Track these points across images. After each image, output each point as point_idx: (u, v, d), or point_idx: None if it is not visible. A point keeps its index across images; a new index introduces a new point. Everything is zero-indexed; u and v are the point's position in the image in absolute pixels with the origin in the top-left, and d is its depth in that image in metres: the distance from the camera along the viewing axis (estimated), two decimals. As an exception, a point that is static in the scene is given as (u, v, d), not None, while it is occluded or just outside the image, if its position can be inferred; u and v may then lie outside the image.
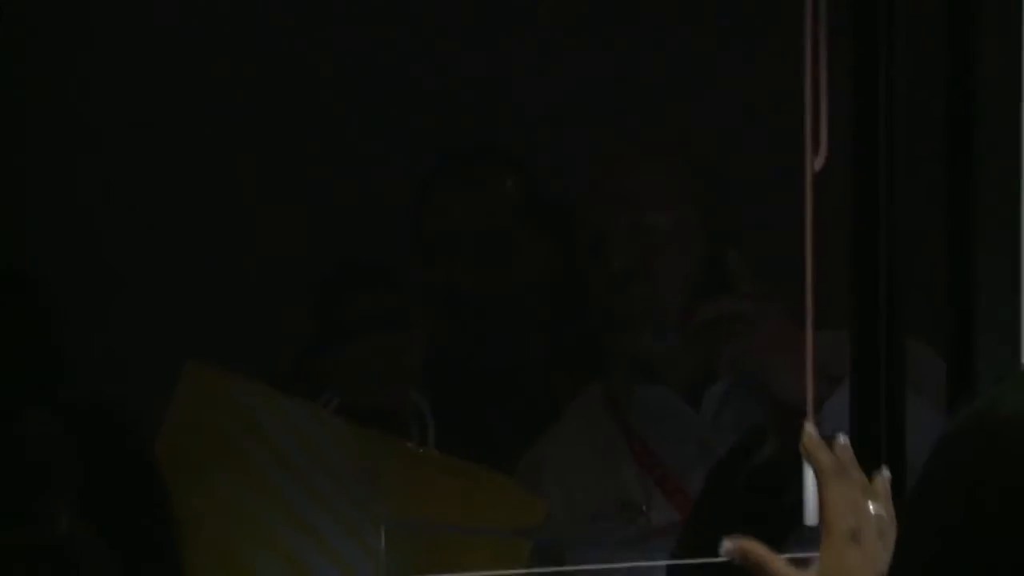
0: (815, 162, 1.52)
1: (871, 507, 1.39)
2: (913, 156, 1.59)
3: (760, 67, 1.71)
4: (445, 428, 1.80)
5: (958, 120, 1.58)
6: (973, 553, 0.71)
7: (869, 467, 1.45)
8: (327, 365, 1.77)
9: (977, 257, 1.58)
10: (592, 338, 1.88)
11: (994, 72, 1.57)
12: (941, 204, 1.61)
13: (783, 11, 1.59)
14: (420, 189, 1.89)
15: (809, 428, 1.45)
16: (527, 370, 1.91)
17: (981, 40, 1.57)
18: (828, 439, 1.43)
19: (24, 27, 1.62)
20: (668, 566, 1.75)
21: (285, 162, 1.84)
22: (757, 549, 1.37)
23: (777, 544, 1.41)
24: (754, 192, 1.73)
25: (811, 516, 1.46)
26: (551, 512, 1.79)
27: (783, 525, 1.56)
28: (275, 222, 1.81)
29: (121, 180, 1.77)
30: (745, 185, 1.73)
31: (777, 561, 1.36)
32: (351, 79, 1.83)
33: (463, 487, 1.77)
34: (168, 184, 1.79)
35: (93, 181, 1.75)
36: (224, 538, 1.65)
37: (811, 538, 1.40)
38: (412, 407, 1.80)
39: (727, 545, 1.39)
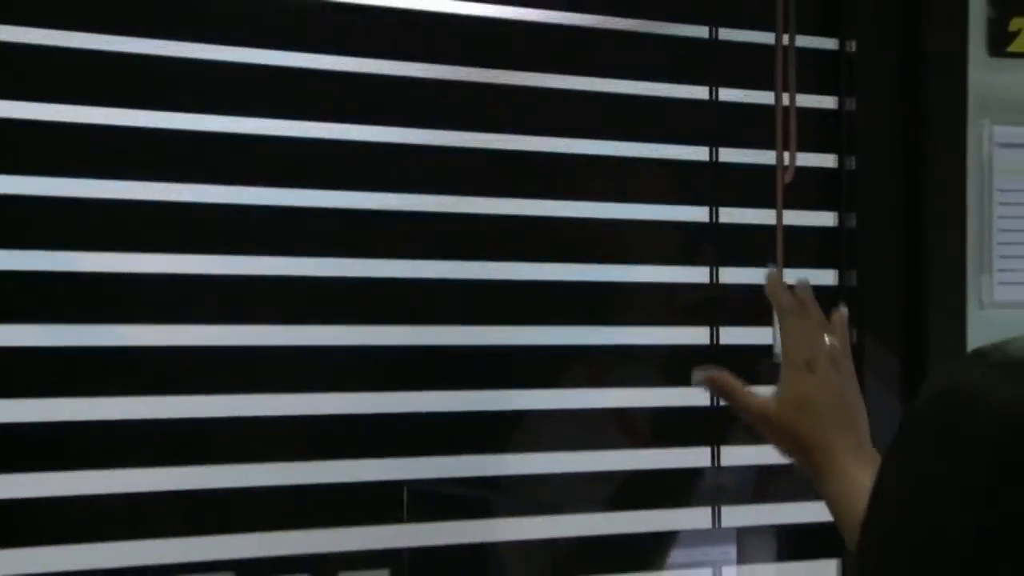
0: (785, 176, 1.70)
1: (826, 339, 1.50)
2: (869, 174, 1.75)
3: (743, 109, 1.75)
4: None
5: (909, 145, 1.75)
6: (936, 499, 0.77)
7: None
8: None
9: (929, 273, 1.73)
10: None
11: (939, 103, 1.74)
12: (895, 216, 1.76)
13: (762, 64, 1.72)
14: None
15: (772, 271, 1.56)
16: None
17: (928, 79, 1.74)
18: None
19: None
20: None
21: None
22: (724, 377, 1.48)
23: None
24: (731, 198, 1.75)
25: (778, 351, 1.57)
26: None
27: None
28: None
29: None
30: (726, 193, 1.75)
31: (741, 388, 1.47)
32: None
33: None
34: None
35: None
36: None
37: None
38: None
39: (697, 375, 1.51)
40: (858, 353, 1.66)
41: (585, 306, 1.71)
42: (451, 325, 1.64)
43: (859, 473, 1.37)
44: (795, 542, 1.78)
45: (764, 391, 1.48)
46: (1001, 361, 0.79)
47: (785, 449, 1.46)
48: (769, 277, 1.53)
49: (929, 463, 0.79)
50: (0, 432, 1.43)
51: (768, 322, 1.67)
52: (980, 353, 0.80)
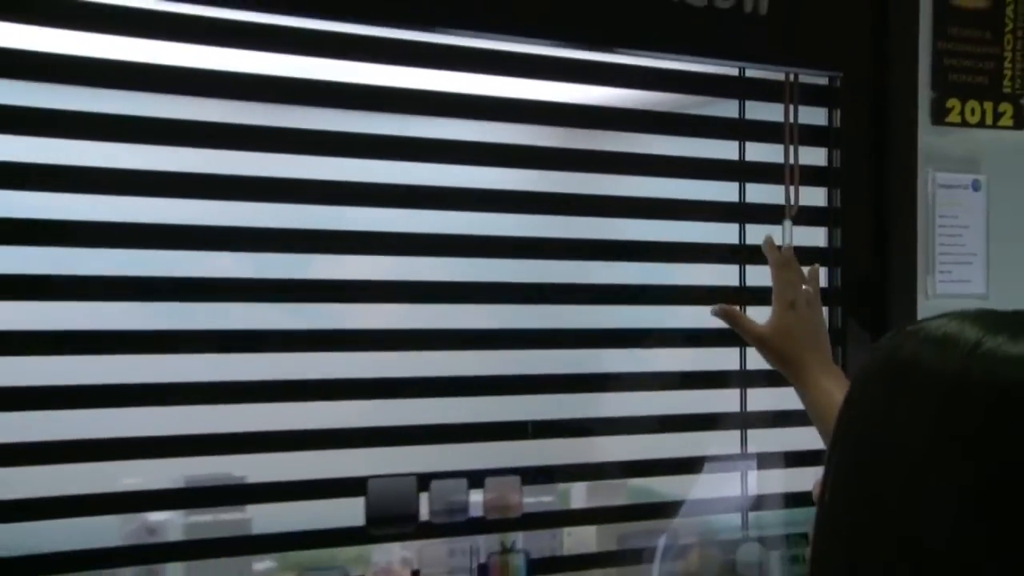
0: (791, 211, 1.95)
1: (803, 287, 1.75)
2: (849, 205, 2.01)
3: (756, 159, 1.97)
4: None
5: (877, 187, 2.03)
6: (881, 430, 0.88)
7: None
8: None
9: (891, 273, 2.03)
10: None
11: (899, 157, 2.03)
12: (866, 233, 2.02)
13: (776, 131, 1.96)
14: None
15: (767, 236, 1.81)
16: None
17: (891, 140, 2.02)
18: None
19: None
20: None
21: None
22: (733, 310, 1.77)
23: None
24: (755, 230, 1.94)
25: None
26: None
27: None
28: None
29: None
30: (750, 217, 1.96)
31: (744, 317, 1.77)
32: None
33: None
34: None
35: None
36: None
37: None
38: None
39: (714, 308, 1.78)
40: (843, 330, 1.99)
41: (657, 295, 1.92)
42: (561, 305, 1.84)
43: (826, 382, 1.62)
44: (794, 457, 1.99)
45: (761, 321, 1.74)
46: (925, 336, 0.88)
47: (773, 362, 1.71)
48: (765, 241, 1.80)
49: (875, 409, 0.89)
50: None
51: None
52: (911, 329, 0.90)
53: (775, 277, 1.75)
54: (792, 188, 1.97)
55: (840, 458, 0.91)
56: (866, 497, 0.88)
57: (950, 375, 0.84)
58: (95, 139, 1.53)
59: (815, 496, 0.95)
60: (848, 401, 0.92)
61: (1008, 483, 0.80)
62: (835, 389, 1.60)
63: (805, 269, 1.81)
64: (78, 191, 1.53)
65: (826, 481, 0.92)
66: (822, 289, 1.87)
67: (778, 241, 1.89)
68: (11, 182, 1.50)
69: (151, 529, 1.64)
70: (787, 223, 1.97)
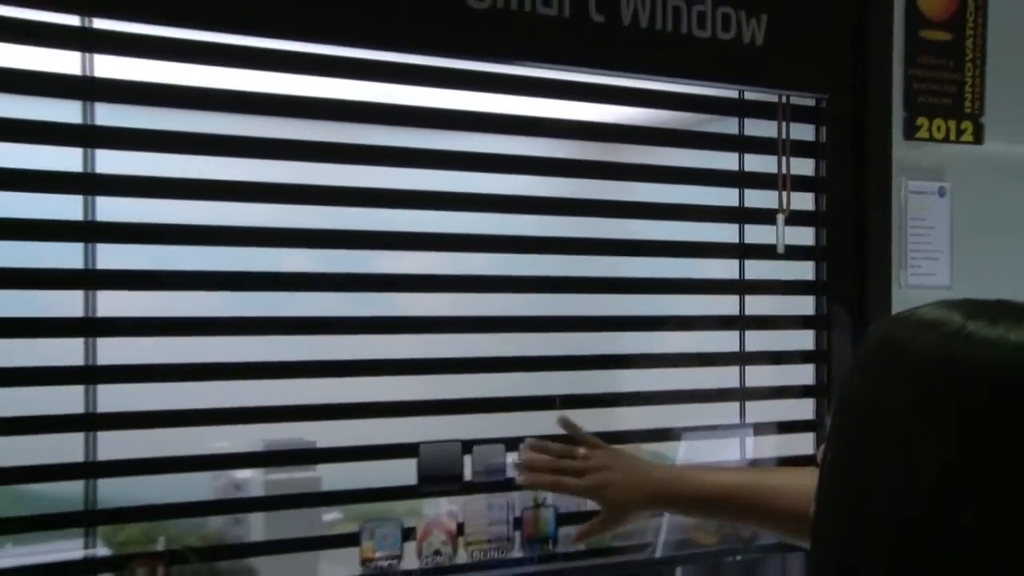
0: (783, 214, 1.97)
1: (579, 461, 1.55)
2: (835, 208, 2.02)
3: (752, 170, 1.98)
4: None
5: (859, 193, 2.04)
6: (875, 406, 0.84)
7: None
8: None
9: (869, 266, 2.04)
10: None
11: (877, 167, 2.05)
12: (850, 232, 2.03)
13: (771, 144, 1.97)
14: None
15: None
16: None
17: (869, 153, 2.04)
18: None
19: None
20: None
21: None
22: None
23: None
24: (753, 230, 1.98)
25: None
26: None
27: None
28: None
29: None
30: (749, 217, 1.97)
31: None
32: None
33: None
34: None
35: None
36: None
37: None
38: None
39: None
40: (827, 316, 2.01)
41: (667, 286, 1.93)
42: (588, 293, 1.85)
43: (693, 478, 1.46)
44: (785, 426, 2.01)
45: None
46: (915, 321, 0.85)
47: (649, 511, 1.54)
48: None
49: (869, 385, 0.86)
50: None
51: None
52: (903, 315, 0.87)
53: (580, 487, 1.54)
54: (784, 193, 2.00)
55: (839, 427, 0.89)
56: (859, 461, 0.85)
57: (935, 356, 0.82)
58: (197, 154, 1.57)
59: (819, 459, 0.91)
60: (846, 379, 0.90)
61: (983, 454, 0.78)
62: (702, 476, 1.49)
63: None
64: (182, 198, 1.56)
65: (828, 446, 0.89)
66: (810, 282, 1.93)
67: (772, 239, 1.94)
68: (131, 191, 1.53)
69: (237, 485, 1.66)
70: (780, 223, 1.99)
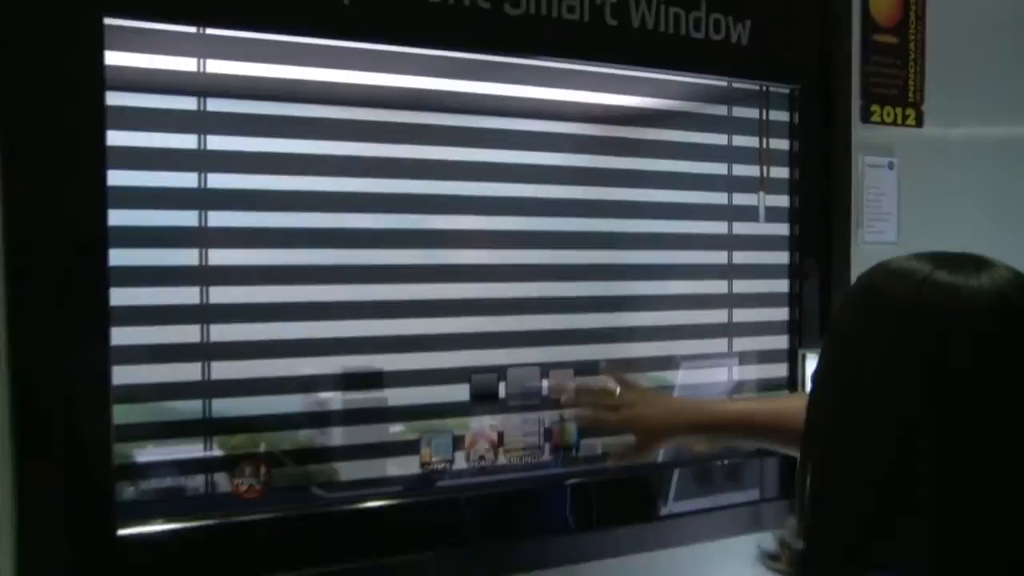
0: (764, 183, 1.98)
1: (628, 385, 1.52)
2: (806, 179, 2.00)
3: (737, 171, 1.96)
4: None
5: (825, 166, 2.02)
6: (856, 345, 0.84)
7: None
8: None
9: (833, 226, 2.03)
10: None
11: (840, 145, 2.03)
12: (818, 199, 2.02)
13: (753, 125, 1.97)
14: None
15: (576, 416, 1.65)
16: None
17: (834, 133, 2.01)
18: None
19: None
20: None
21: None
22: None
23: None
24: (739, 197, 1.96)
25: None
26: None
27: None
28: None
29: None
30: (736, 187, 1.95)
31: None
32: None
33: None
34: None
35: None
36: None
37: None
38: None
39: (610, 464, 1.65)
40: (800, 268, 1.99)
41: (669, 242, 1.89)
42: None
43: (722, 407, 1.47)
44: (764, 355, 2.00)
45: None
46: (889, 270, 0.85)
47: (691, 442, 1.67)
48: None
49: (849, 322, 0.87)
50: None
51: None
52: (880, 264, 0.87)
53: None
54: (765, 167, 2.01)
55: (825, 360, 0.88)
56: (841, 387, 0.86)
57: (905, 299, 0.82)
58: (287, 136, 1.57)
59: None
60: (832, 319, 0.89)
61: (944, 381, 0.78)
62: (722, 406, 1.52)
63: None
64: (280, 172, 1.56)
65: (815, 376, 0.90)
66: (785, 237, 1.94)
67: (755, 202, 1.95)
68: (245, 167, 1.54)
69: (320, 403, 1.64)
70: (761, 193, 2.00)
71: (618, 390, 1.47)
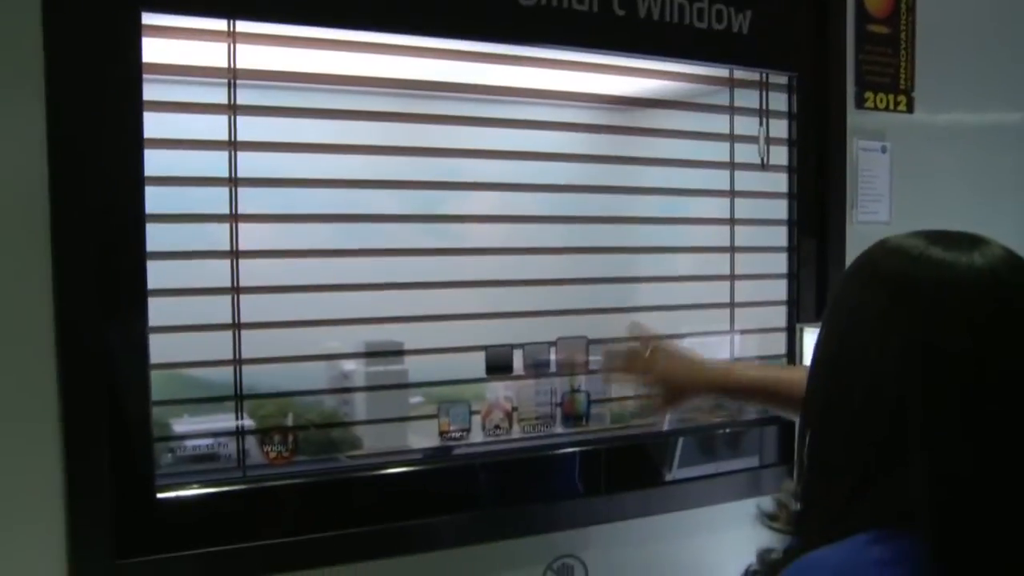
0: (765, 165, 1.95)
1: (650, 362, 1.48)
2: (803, 163, 2.00)
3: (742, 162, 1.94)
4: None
5: (822, 149, 2.01)
6: (852, 314, 0.85)
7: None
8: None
9: (829, 206, 2.01)
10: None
11: (836, 130, 2.02)
12: (814, 180, 2.01)
13: (754, 111, 1.95)
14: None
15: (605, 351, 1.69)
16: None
17: (830, 119, 2.01)
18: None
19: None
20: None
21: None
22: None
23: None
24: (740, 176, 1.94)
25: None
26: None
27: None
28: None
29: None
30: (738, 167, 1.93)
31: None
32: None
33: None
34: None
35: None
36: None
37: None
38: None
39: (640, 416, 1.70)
40: (798, 246, 1.99)
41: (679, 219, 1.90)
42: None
43: (741, 372, 1.46)
44: (765, 331, 1.99)
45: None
46: (887, 247, 0.86)
47: (708, 398, 1.62)
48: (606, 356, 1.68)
49: (849, 295, 0.87)
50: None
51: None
52: (880, 242, 0.88)
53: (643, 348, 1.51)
54: (765, 149, 1.99)
55: (824, 331, 0.89)
56: (836, 357, 0.86)
57: (899, 274, 0.82)
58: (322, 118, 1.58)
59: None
60: (832, 293, 0.90)
61: (933, 353, 0.78)
62: (742, 372, 1.50)
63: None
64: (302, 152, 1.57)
65: (815, 347, 0.90)
66: (783, 218, 1.93)
67: (756, 186, 1.93)
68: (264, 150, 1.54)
69: (345, 375, 1.66)
70: (762, 173, 1.99)
71: (647, 351, 1.46)
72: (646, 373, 1.43)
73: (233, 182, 1.50)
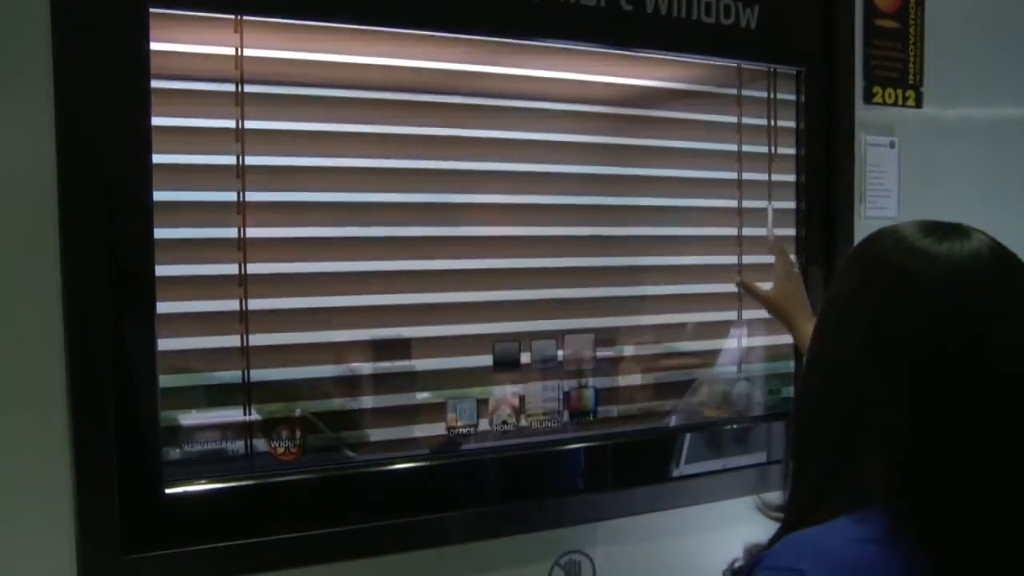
0: (772, 158, 1.95)
1: (791, 265, 1.72)
2: (812, 157, 1.98)
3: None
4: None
5: (829, 144, 2.00)
6: (849, 296, 0.88)
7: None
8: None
9: (838, 201, 2.01)
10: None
11: (843, 125, 2.01)
12: (823, 175, 1.99)
13: (762, 104, 1.93)
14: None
15: (769, 235, 1.82)
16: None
17: (838, 114, 2.01)
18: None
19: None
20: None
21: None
22: (749, 283, 1.73)
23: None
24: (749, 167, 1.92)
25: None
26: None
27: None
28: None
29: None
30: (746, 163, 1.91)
31: (757, 287, 1.72)
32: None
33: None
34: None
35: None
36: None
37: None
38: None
39: (737, 281, 1.78)
40: (806, 239, 1.97)
41: (683, 216, 1.87)
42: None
43: (808, 327, 1.53)
44: (773, 325, 1.86)
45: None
46: (883, 234, 0.89)
47: (776, 316, 1.71)
48: (768, 240, 1.80)
49: (841, 276, 0.91)
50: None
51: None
52: (881, 228, 0.92)
53: (776, 259, 1.73)
54: (773, 142, 1.99)
55: (824, 305, 0.93)
56: (829, 326, 0.90)
57: (879, 256, 0.87)
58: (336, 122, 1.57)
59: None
60: (832, 273, 0.95)
61: (902, 320, 0.82)
62: (803, 326, 1.63)
63: (792, 257, 1.78)
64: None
65: (816, 323, 0.94)
66: (791, 211, 1.92)
67: (763, 177, 1.94)
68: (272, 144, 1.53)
69: (352, 369, 1.62)
70: (769, 166, 1.98)
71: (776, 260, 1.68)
72: (765, 289, 1.67)
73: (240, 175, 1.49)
